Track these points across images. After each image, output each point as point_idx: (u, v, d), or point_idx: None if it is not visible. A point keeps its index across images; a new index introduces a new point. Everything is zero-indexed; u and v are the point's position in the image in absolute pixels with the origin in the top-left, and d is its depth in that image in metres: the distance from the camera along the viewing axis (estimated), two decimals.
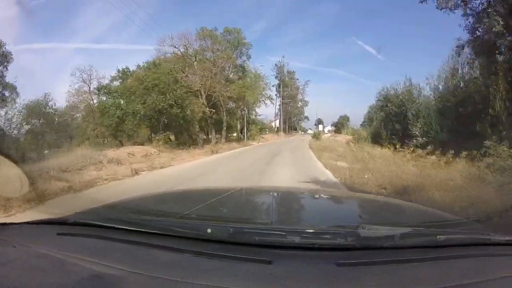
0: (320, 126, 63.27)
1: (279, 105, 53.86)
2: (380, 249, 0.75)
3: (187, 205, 1.26)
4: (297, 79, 54.88)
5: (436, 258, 0.73)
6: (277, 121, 54.35)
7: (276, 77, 53.40)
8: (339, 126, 45.20)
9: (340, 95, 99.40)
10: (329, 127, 60.79)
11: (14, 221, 0.95)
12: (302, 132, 77.11)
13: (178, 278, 0.61)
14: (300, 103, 61.61)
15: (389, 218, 1.23)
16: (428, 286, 0.62)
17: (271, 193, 1.72)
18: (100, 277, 0.62)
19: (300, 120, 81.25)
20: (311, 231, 0.83)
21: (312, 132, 52.89)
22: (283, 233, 0.78)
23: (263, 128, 47.54)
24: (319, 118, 77.15)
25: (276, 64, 52.77)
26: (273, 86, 54.70)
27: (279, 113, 54.49)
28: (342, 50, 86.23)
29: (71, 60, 50.96)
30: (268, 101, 30.19)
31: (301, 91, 56.52)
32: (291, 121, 65.41)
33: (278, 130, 51.66)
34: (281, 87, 50.04)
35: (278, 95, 52.77)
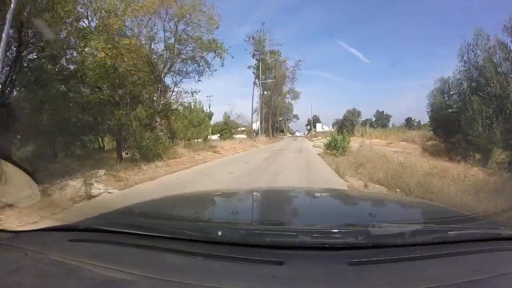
0: (318, 126, 47.28)
1: (259, 97, 38.25)
2: (391, 247, 0.74)
3: (197, 208, 1.27)
4: (284, 60, 38.78)
5: (447, 255, 0.72)
6: (259, 122, 38.66)
7: (253, 56, 37.66)
8: (347, 125, 30.30)
9: (324, 97, 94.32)
10: (328, 128, 45.17)
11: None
12: (290, 135, 62.75)
13: (189, 281, 0.61)
14: (288, 96, 45.75)
15: (399, 215, 1.23)
16: (440, 283, 0.61)
17: (280, 194, 1.70)
18: (112, 282, 0.62)
19: (288, 120, 65.87)
20: (321, 230, 0.84)
21: (312, 136, 38.12)
22: (294, 234, 0.78)
23: (226, 129, 32.07)
24: (315, 115, 60.48)
25: (252, 36, 34.58)
26: (248, 68, 39.18)
27: (259, 109, 38.95)
28: (326, 53, 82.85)
29: None
30: (218, 59, 12.44)
31: (290, 77, 40.47)
32: (276, 120, 49.49)
33: (260, 132, 36.12)
34: (260, 69, 34.51)
35: (257, 82, 37.02)
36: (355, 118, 32.02)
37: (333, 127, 44.51)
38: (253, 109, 36.90)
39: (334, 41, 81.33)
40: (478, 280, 0.62)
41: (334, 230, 0.82)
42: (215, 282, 0.60)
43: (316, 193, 1.76)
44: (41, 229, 0.95)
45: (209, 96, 34.22)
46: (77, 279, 0.64)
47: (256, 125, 37.85)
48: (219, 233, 0.76)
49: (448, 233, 0.77)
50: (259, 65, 34.30)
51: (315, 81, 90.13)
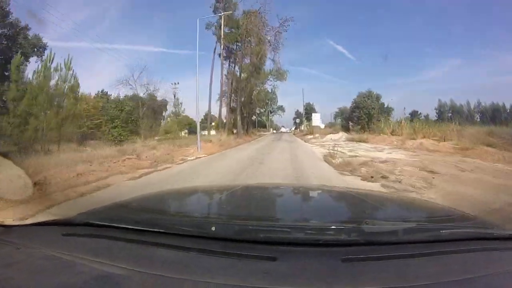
0: (316, 118, 33.08)
1: (225, 74, 25.47)
2: (384, 245, 0.75)
3: (191, 203, 1.34)
4: (263, 14, 23.40)
5: (440, 253, 0.73)
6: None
7: (214, 11, 23.57)
8: (360, 115, 18.65)
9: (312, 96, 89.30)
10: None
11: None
12: (274, 131, 50.77)
13: (183, 276, 0.62)
14: (270, 78, 32.21)
15: (393, 213, 1.24)
16: (432, 281, 0.62)
17: (275, 190, 1.72)
18: (106, 277, 0.63)
19: (271, 112, 53.37)
20: (315, 227, 0.85)
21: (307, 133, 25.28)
22: (288, 230, 0.79)
23: (118, 120, 15.86)
24: (308, 103, 43.33)
25: None
26: (207, 28, 25.65)
27: (226, 91, 26.25)
28: (315, 51, 73.42)
29: None
30: None
31: (271, 42, 27.32)
32: (252, 110, 33.88)
33: (225, 126, 23.49)
34: (223, 27, 21.89)
35: (217, 45, 23.99)
36: (372, 105, 20.25)
37: (335, 120, 32.61)
38: (210, 95, 24.22)
39: (322, 39, 75.29)
40: (470, 278, 0.63)
41: (327, 227, 0.84)
42: (208, 277, 0.61)
43: (311, 190, 1.78)
44: (33, 223, 0.94)
45: (175, 84, 22.35)
46: (70, 273, 0.64)
47: (226, 120, 25.47)
48: (213, 228, 0.76)
49: (441, 231, 0.78)
50: (221, 22, 21.68)
51: (302, 79, 79.39)
